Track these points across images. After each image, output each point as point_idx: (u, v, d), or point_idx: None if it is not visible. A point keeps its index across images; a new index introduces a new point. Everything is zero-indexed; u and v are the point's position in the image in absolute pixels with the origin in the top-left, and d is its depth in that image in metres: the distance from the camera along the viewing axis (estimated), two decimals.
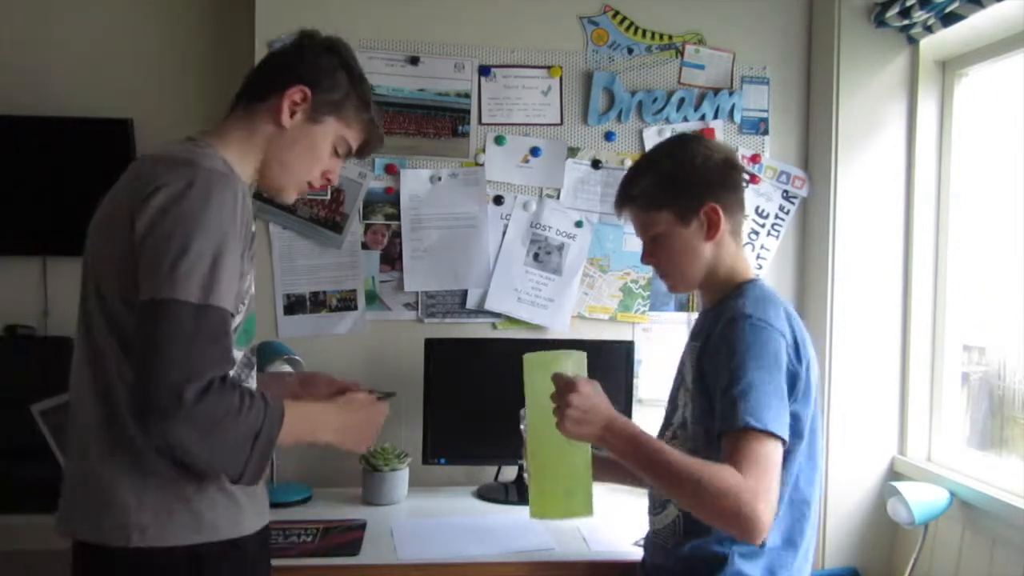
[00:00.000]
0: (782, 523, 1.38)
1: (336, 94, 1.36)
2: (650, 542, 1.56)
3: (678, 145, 1.51)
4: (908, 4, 2.08)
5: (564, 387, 1.31)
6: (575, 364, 1.38)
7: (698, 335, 1.46)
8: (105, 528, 1.18)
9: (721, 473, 1.23)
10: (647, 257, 1.50)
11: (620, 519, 2.02)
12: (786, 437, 1.29)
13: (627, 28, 2.41)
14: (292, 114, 1.33)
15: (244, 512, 1.26)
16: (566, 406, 1.29)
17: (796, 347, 1.36)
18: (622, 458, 1.31)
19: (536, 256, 2.40)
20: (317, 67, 1.35)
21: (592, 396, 1.31)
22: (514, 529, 1.93)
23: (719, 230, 1.43)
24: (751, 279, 1.47)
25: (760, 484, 1.22)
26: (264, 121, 1.33)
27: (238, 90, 1.40)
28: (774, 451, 1.26)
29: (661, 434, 1.52)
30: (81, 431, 1.22)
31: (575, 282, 2.41)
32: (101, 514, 1.18)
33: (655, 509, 1.52)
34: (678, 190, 1.43)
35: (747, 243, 2.45)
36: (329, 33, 1.42)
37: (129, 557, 1.17)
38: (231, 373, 1.17)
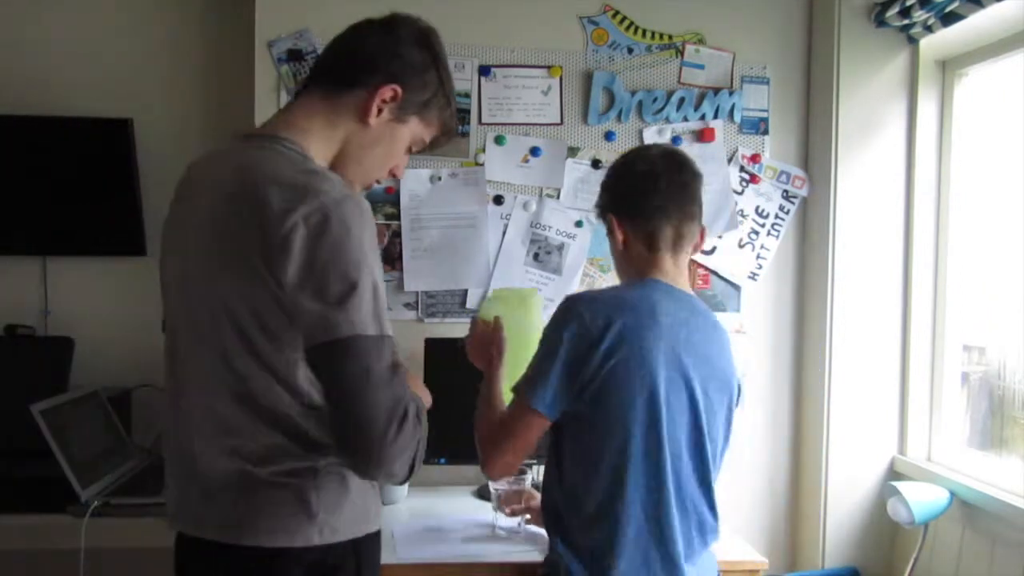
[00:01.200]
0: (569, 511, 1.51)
1: (424, 94, 1.30)
2: None
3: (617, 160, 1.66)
4: (908, 4, 2.08)
5: (469, 328, 1.75)
6: (499, 306, 1.78)
7: None
8: (285, 530, 1.18)
9: (492, 421, 1.56)
10: None
11: None
12: (540, 409, 1.46)
13: (627, 28, 2.41)
14: (378, 112, 1.26)
15: (378, 503, 1.31)
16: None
17: (598, 342, 1.42)
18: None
19: (536, 256, 2.40)
20: (410, 63, 1.28)
21: (475, 343, 1.71)
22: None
23: (617, 239, 1.55)
24: (634, 280, 1.55)
25: (494, 435, 1.53)
26: (347, 115, 1.27)
27: (315, 66, 1.33)
28: (521, 416, 1.48)
29: None
30: (230, 443, 1.19)
31: (575, 282, 2.41)
32: (279, 518, 1.18)
33: None
34: (599, 201, 1.62)
35: (747, 243, 2.45)
36: (420, 18, 1.35)
37: (307, 555, 1.19)
38: None
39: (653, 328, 1.44)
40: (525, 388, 1.47)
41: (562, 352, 1.43)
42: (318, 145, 1.26)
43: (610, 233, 1.57)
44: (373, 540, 1.28)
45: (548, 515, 1.56)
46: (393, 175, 1.38)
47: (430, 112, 1.32)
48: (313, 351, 1.14)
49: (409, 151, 1.37)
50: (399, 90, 1.26)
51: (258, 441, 1.18)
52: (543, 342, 1.48)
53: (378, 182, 1.37)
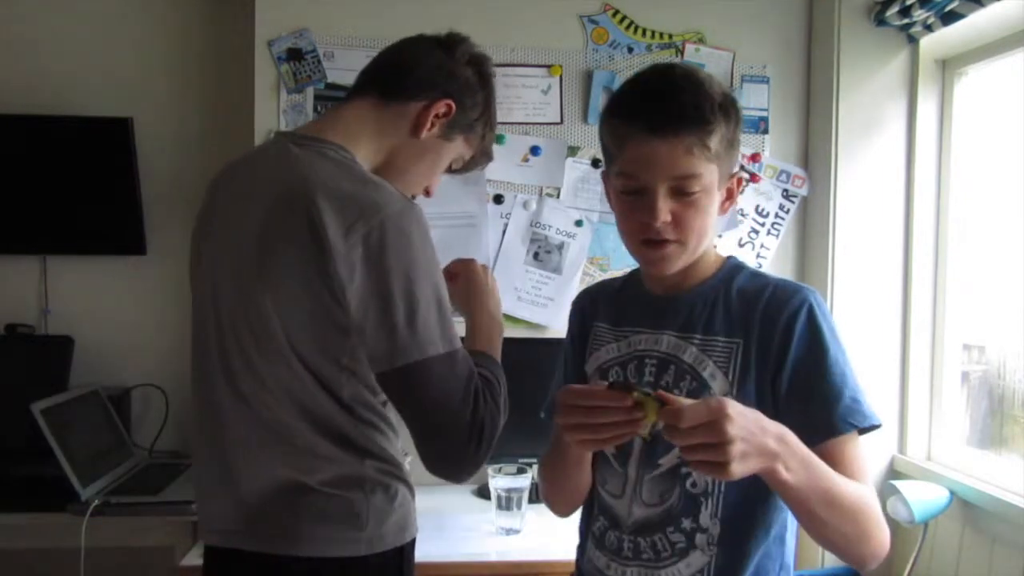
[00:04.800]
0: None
1: (473, 115, 1.32)
2: None
3: (732, 95, 1.18)
4: (908, 3, 2.08)
5: (709, 414, 0.88)
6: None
7: (711, 325, 1.13)
8: (334, 540, 1.18)
9: (865, 492, 1.02)
10: (669, 217, 1.07)
11: None
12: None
13: (627, 27, 2.41)
14: (431, 127, 1.28)
15: (415, 508, 1.30)
16: (728, 442, 0.87)
17: None
18: (789, 489, 0.95)
19: (536, 255, 2.40)
20: (466, 83, 1.30)
21: (746, 412, 0.92)
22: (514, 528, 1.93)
23: (734, 202, 1.18)
24: (726, 254, 1.22)
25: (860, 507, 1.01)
26: (399, 125, 1.27)
27: (366, 73, 1.31)
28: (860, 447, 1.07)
29: (656, 456, 1.13)
30: (279, 451, 1.18)
31: (575, 281, 2.41)
32: (329, 528, 1.18)
33: (663, 555, 1.11)
34: (736, 146, 1.17)
35: (747, 242, 2.45)
36: (476, 43, 1.36)
37: (354, 564, 1.19)
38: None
39: None
40: (872, 414, 1.07)
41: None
42: (365, 152, 1.26)
43: (715, 185, 1.12)
44: (412, 545, 1.28)
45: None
46: (427, 193, 1.38)
47: (474, 133, 1.34)
48: (384, 377, 1.14)
49: (448, 170, 1.38)
50: (452, 107, 1.28)
51: (308, 449, 1.17)
52: (847, 361, 1.12)
53: (413, 197, 1.35)
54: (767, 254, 2.46)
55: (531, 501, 2.06)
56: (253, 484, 1.19)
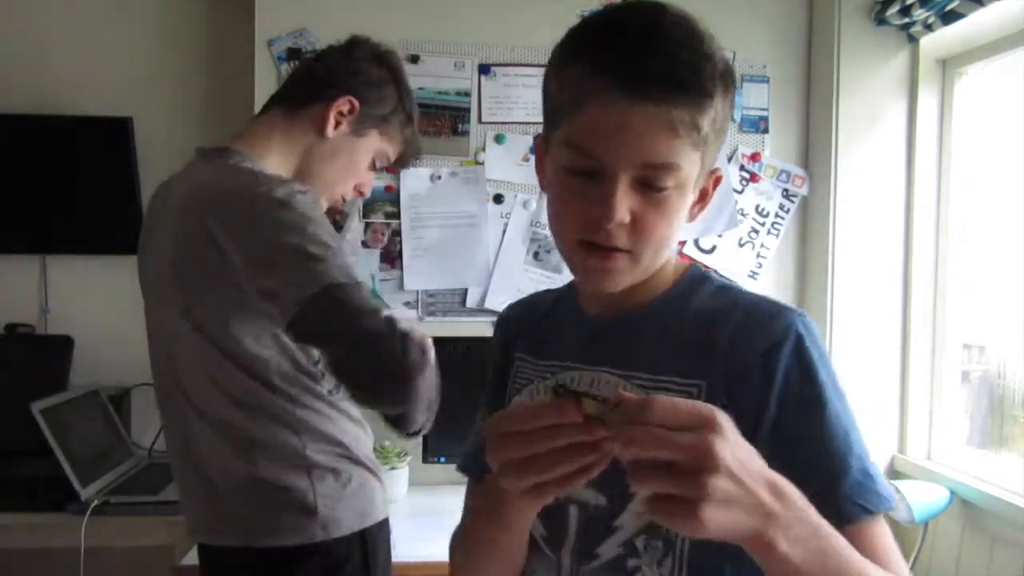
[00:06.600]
0: None
1: (383, 108, 1.34)
2: None
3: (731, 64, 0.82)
4: (908, 2, 2.08)
5: (693, 416, 0.58)
6: None
7: (661, 360, 0.82)
8: (288, 529, 1.21)
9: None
10: (628, 217, 0.77)
11: None
12: None
13: None
14: (337, 124, 1.31)
15: (383, 492, 1.32)
16: (713, 468, 0.57)
17: None
18: (788, 569, 0.61)
19: (536, 255, 2.40)
20: (367, 79, 1.33)
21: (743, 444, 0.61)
22: None
23: (705, 206, 0.85)
24: (685, 263, 0.90)
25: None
26: (305, 129, 1.32)
27: (279, 88, 1.39)
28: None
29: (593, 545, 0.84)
30: (229, 447, 1.23)
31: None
32: (280, 517, 1.21)
33: None
34: (726, 133, 0.82)
35: (747, 242, 2.45)
36: (380, 41, 1.40)
37: (314, 551, 1.21)
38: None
39: None
40: (880, 492, 0.77)
41: None
42: (277, 159, 1.30)
43: (693, 180, 0.79)
44: (380, 529, 1.29)
45: None
46: (360, 193, 1.41)
47: (390, 127, 1.36)
48: (295, 322, 1.14)
49: (374, 168, 1.40)
50: (355, 102, 1.31)
51: (251, 440, 1.22)
52: (843, 401, 0.81)
53: (344, 200, 1.39)
54: (767, 253, 2.46)
55: None
56: (219, 480, 1.24)
